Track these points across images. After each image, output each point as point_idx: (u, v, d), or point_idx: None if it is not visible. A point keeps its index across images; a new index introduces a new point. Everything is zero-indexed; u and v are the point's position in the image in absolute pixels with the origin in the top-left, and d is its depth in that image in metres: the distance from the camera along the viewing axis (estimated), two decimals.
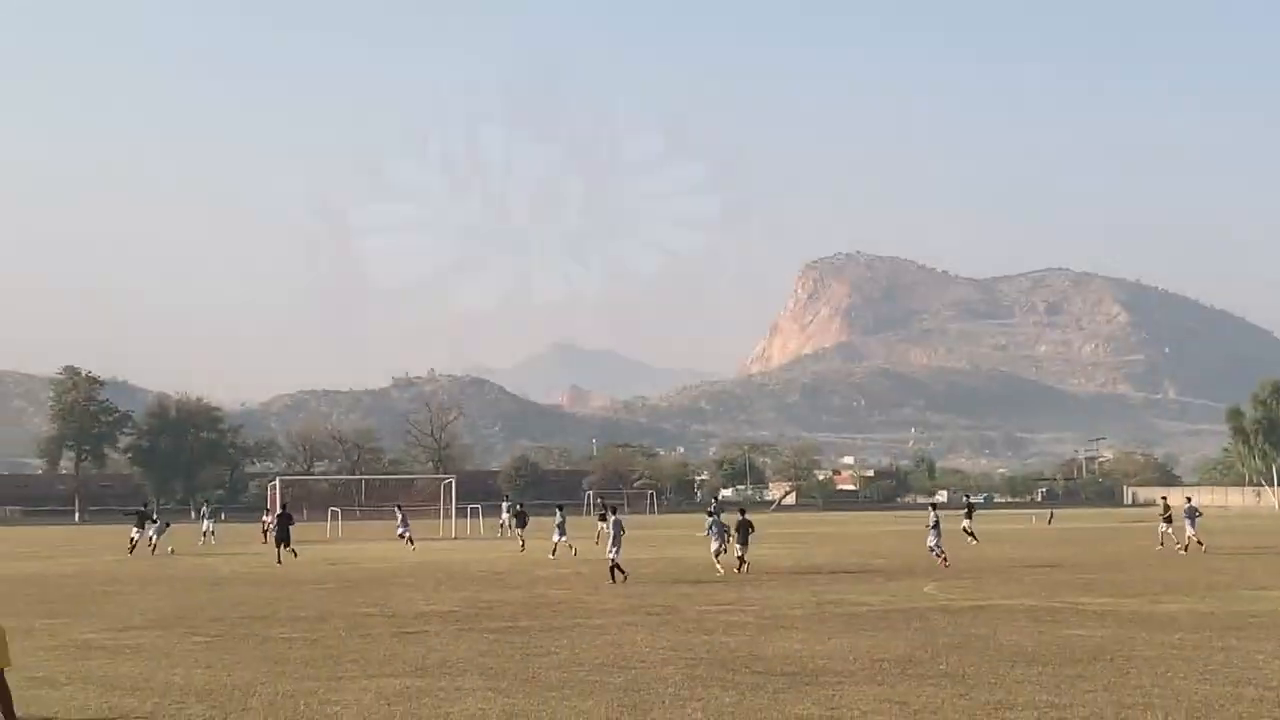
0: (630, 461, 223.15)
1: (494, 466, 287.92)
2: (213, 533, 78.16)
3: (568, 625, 28.57)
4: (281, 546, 57.00)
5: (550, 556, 56.53)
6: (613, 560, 42.16)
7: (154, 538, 65.03)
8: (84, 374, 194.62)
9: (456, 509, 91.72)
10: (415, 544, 67.48)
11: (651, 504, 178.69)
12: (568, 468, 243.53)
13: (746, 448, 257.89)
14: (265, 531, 74.99)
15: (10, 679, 10.77)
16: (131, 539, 65.76)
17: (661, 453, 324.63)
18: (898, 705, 17.94)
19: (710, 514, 50.64)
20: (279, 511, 61.22)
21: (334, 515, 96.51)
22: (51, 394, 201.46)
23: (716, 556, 45.80)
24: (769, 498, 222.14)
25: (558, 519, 61.20)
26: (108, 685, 20.52)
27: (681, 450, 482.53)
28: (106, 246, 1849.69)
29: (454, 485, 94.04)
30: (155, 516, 70.85)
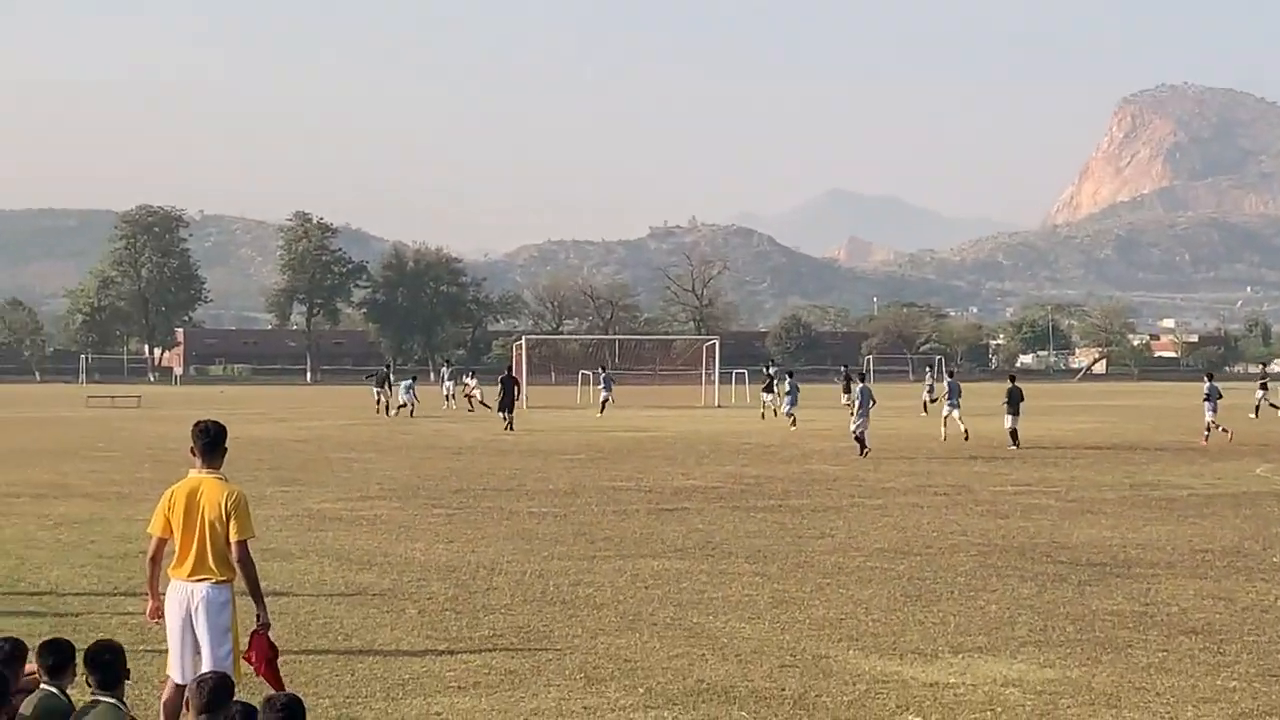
0: (916, 323, 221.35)
1: (762, 327, 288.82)
2: (454, 396, 79.95)
3: (844, 505, 28.63)
4: (505, 413, 58.34)
5: (792, 427, 57.03)
6: (855, 432, 42.57)
7: (404, 397, 68.35)
8: (315, 220, 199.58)
9: (720, 374, 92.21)
10: (603, 413, 67.89)
11: (939, 370, 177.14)
12: (844, 329, 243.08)
13: (1049, 308, 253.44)
14: (470, 398, 75.84)
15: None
16: (376, 400, 70.48)
17: (952, 313, 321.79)
18: (1223, 601, 17.61)
19: (845, 381, 50.77)
20: (504, 374, 62.84)
21: (584, 379, 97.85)
22: (281, 242, 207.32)
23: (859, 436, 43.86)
24: (1075, 365, 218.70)
25: (787, 386, 62.68)
26: (344, 558, 21.26)
27: (975, 311, 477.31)
28: (339, 85, 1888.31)
29: (717, 347, 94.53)
30: (391, 378, 73.71)
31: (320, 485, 32.82)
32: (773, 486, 32.57)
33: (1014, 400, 46.48)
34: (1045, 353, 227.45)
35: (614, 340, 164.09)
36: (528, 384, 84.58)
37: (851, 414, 43.89)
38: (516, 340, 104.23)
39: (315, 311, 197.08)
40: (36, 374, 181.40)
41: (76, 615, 16.96)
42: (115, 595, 18.08)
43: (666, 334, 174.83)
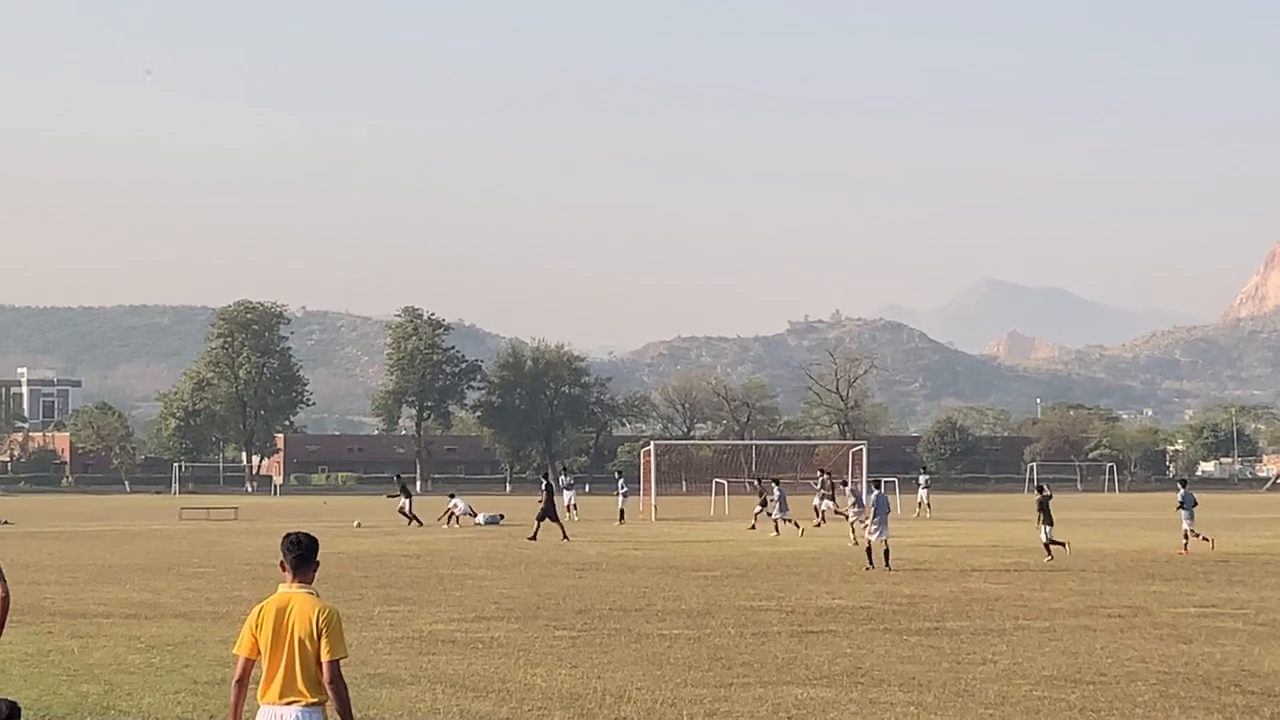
0: (1084, 426, 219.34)
1: (913, 431, 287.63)
2: (575, 506, 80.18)
3: (1007, 627, 28.33)
4: (543, 522, 60.00)
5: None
6: (870, 542, 44.03)
7: (458, 511, 70.97)
8: (426, 316, 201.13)
9: (868, 482, 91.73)
10: (758, 526, 67.58)
11: (1110, 479, 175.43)
12: (1005, 433, 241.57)
13: (1234, 410, 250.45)
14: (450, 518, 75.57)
15: (346, 674, 11.29)
16: (405, 512, 73.96)
17: (1124, 416, 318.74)
18: None
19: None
20: (545, 482, 65.27)
21: (719, 488, 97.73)
22: (389, 340, 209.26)
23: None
24: (1263, 473, 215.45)
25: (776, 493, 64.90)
26: (458, 685, 21.30)
27: (1149, 413, 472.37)
28: (450, 173, 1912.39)
29: (864, 453, 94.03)
30: (409, 489, 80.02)
31: (432, 604, 32.94)
32: (928, 606, 32.30)
33: (1046, 509, 47.59)
34: (1229, 459, 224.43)
35: (750, 445, 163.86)
36: (656, 494, 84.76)
37: (865, 522, 45.73)
38: (644, 445, 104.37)
39: (426, 415, 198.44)
40: (126, 484, 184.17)
41: None
42: None
43: (808, 438, 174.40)
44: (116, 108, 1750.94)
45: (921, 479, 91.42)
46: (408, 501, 75.62)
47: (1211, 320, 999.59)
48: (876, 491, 46.93)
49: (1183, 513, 51.70)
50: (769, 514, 65.37)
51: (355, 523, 72.28)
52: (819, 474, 78.35)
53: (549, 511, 60.49)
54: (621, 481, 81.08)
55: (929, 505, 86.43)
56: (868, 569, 42.76)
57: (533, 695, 20.37)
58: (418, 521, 71.90)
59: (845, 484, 72.83)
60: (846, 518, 60.13)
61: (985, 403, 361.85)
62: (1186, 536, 50.64)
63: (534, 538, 58.30)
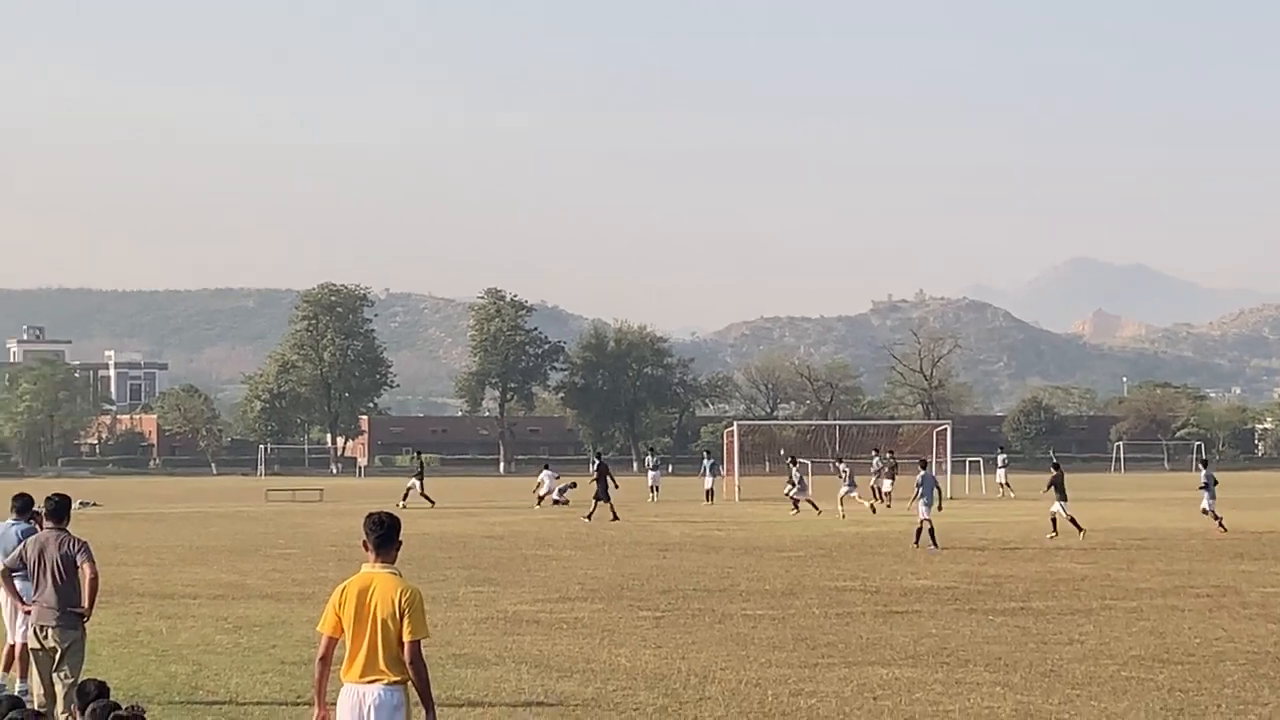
0: (1172, 405, 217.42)
1: (998, 411, 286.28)
2: (658, 487, 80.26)
3: (1094, 608, 28.20)
4: (599, 503, 59.90)
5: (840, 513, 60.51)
6: (924, 522, 44.27)
7: (549, 491, 69.79)
8: (509, 298, 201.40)
9: (952, 462, 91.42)
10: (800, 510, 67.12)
11: (1198, 458, 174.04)
12: (1091, 413, 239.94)
13: None
14: (540, 498, 74.70)
15: (430, 654, 11.35)
16: (410, 493, 71.45)
17: (1213, 395, 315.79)
18: None
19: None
20: (599, 462, 64.49)
21: (803, 468, 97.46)
22: (472, 322, 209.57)
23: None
24: None
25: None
26: (542, 665, 21.38)
27: (1238, 391, 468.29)
28: (532, 153, 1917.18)
29: (949, 433, 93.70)
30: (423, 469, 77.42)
31: (516, 585, 33.06)
32: (1013, 586, 32.18)
33: (1059, 485, 48.99)
34: None
35: (834, 425, 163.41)
36: (740, 474, 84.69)
37: (912, 502, 46.36)
38: (727, 426, 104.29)
39: (509, 396, 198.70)
40: (213, 466, 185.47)
41: None
42: (298, 705, 18.36)
43: (892, 418, 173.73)
44: (200, 98, 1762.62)
45: (1000, 459, 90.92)
46: (418, 483, 73.16)
47: None
48: (923, 471, 47.54)
49: (1204, 493, 52.72)
50: (786, 494, 66.62)
51: (399, 504, 70.45)
52: (874, 453, 77.72)
53: (602, 493, 60.51)
54: (711, 463, 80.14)
55: (1008, 485, 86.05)
56: (915, 547, 43.29)
57: (617, 676, 20.42)
58: (429, 501, 70.22)
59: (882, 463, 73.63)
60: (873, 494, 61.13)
61: (1070, 382, 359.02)
62: (1214, 516, 51.21)
63: (614, 517, 58.59)
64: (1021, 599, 29.78)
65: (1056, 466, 52.23)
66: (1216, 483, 53.60)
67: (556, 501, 71.72)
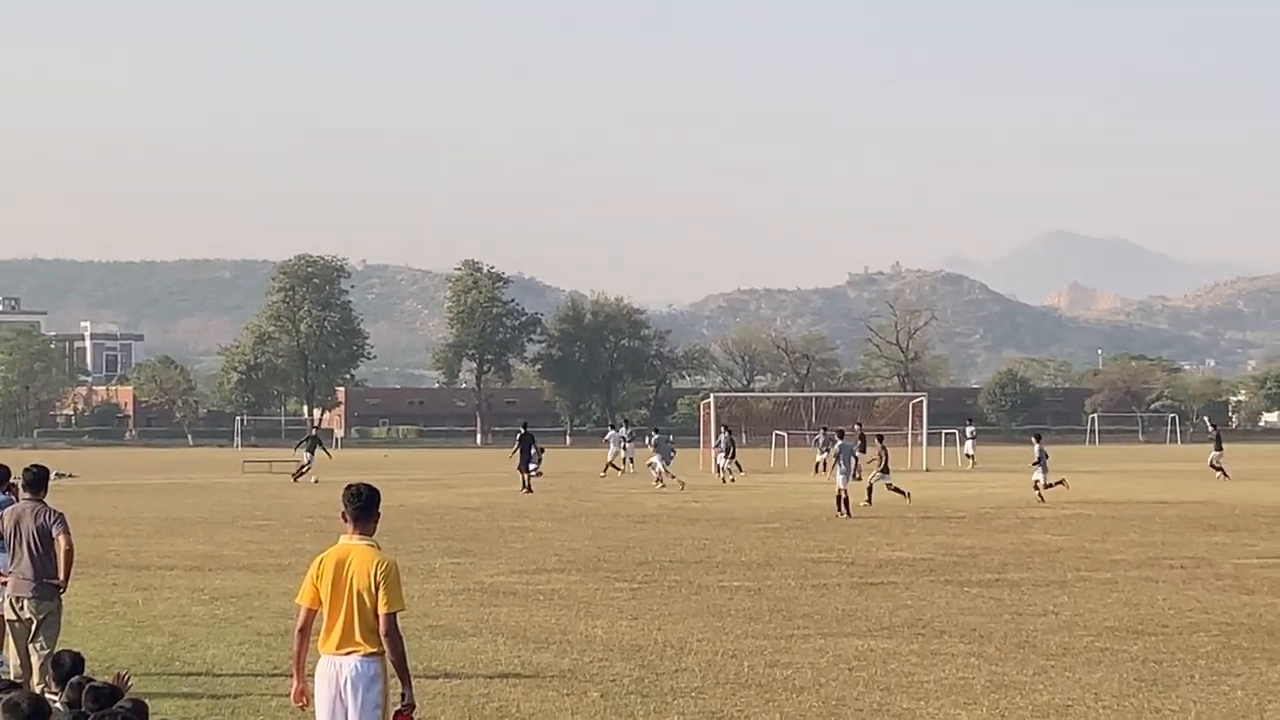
0: (1146, 377, 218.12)
1: (974, 383, 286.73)
2: (632, 460, 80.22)
3: (1069, 579, 28.30)
4: (526, 474, 60.03)
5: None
6: (839, 491, 45.45)
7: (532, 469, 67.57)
8: (486, 269, 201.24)
9: (928, 434, 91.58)
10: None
11: (1173, 430, 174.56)
12: (1066, 385, 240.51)
13: None
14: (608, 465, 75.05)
15: (407, 625, 11.35)
16: (302, 469, 71.02)
17: (1187, 367, 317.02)
18: None
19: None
20: (521, 432, 63.49)
21: (779, 440, 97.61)
22: (449, 294, 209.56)
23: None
24: None
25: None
26: (519, 636, 21.41)
27: (1212, 364, 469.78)
28: (508, 124, 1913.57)
29: (924, 405, 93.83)
30: (314, 441, 75.04)
31: (493, 557, 33.08)
32: (989, 558, 32.27)
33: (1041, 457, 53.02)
34: None
35: (810, 398, 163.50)
36: (715, 446, 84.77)
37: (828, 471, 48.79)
38: (704, 398, 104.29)
39: (486, 368, 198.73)
40: (189, 437, 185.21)
41: (234, 697, 17.30)
42: (274, 676, 18.35)
43: (868, 390, 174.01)
44: (177, 68, 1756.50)
45: (968, 430, 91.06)
46: (310, 458, 71.51)
47: (1275, 270, 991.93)
48: (840, 441, 49.62)
49: (1037, 467, 54.13)
50: (726, 463, 69.61)
51: (384, 454, 69.70)
52: (823, 430, 76.75)
53: (523, 464, 60.39)
54: (623, 432, 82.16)
55: (973, 457, 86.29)
56: (837, 516, 44.33)
57: (594, 647, 20.45)
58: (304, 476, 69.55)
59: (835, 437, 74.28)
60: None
61: (1046, 354, 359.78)
62: (1038, 487, 52.97)
63: (525, 488, 58.80)
64: (997, 570, 29.86)
65: (1038, 438, 54.97)
66: (1048, 456, 55.73)
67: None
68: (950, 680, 17.86)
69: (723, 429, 74.62)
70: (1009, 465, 73.54)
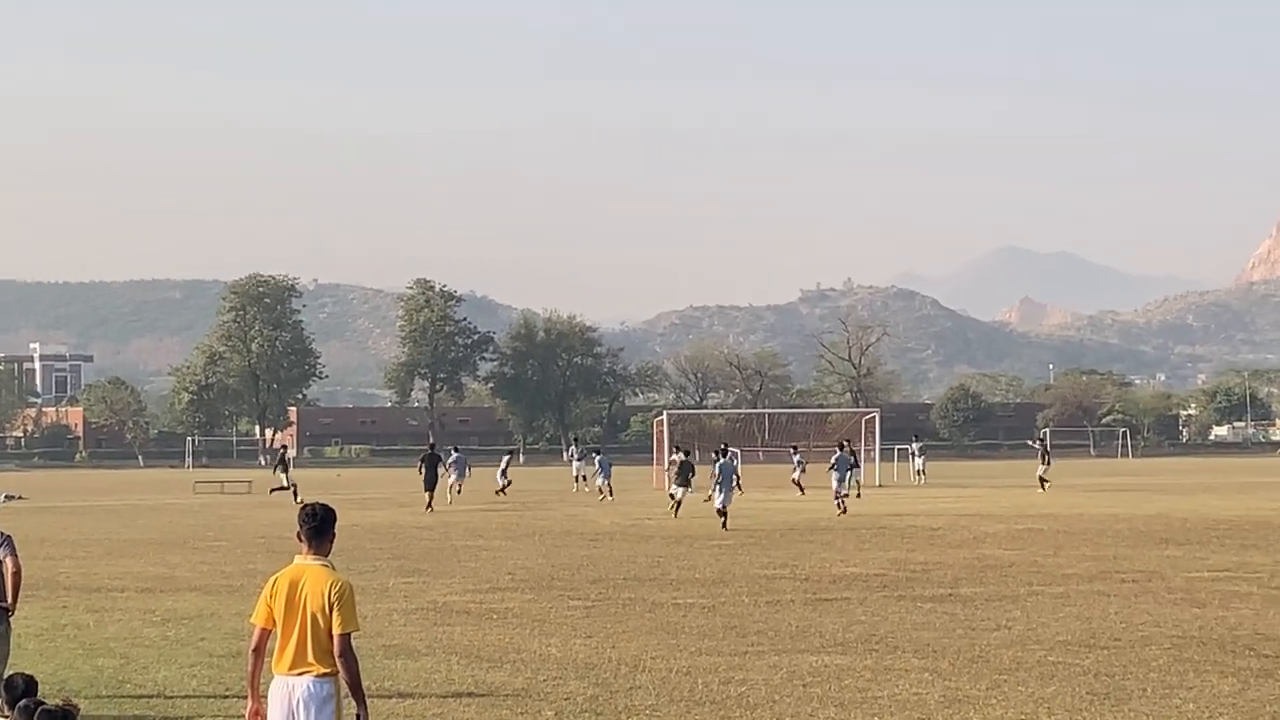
0: (1097, 392, 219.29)
1: (926, 398, 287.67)
2: (584, 478, 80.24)
3: (1022, 594, 28.36)
4: (430, 494, 60.27)
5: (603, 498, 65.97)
6: (718, 508, 47.06)
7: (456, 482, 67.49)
8: (438, 288, 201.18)
9: (881, 450, 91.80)
10: (805, 492, 67.72)
11: (1124, 444, 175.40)
12: (1018, 400, 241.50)
13: (1246, 375, 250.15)
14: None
15: (360, 645, 11.32)
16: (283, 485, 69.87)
17: (1137, 381, 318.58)
18: None
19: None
20: (427, 450, 64.11)
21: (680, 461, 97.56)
22: (401, 313, 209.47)
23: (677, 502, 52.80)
24: (1276, 437, 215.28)
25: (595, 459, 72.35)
26: (472, 656, 21.35)
27: (1162, 378, 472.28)
28: (466, 148, 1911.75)
29: (877, 421, 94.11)
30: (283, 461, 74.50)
31: (446, 576, 33.01)
32: (942, 573, 32.33)
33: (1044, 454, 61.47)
34: (1242, 424, 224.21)
35: (763, 414, 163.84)
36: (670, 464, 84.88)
37: (714, 489, 48.52)
38: (657, 415, 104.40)
39: (438, 387, 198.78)
40: (140, 458, 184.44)
41: (186, 719, 17.20)
42: (226, 697, 18.27)
43: (821, 406, 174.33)
44: (128, 83, 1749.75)
45: (915, 446, 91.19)
46: (285, 476, 70.88)
47: (1224, 285, 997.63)
48: (721, 459, 50.68)
49: (833, 474, 56.46)
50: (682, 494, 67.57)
51: (337, 474, 69.81)
52: (794, 449, 77.31)
53: (429, 482, 60.39)
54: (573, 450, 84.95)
55: (924, 473, 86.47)
56: (839, 515, 48.15)
57: (548, 665, 20.42)
58: (285, 490, 68.72)
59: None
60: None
61: (998, 369, 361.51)
62: (840, 498, 55.32)
63: (428, 506, 59.18)
64: (950, 585, 29.92)
65: (1030, 443, 59.42)
66: (855, 467, 59.42)
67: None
68: (904, 696, 17.88)
69: (676, 450, 74.62)
70: (961, 480, 73.74)
